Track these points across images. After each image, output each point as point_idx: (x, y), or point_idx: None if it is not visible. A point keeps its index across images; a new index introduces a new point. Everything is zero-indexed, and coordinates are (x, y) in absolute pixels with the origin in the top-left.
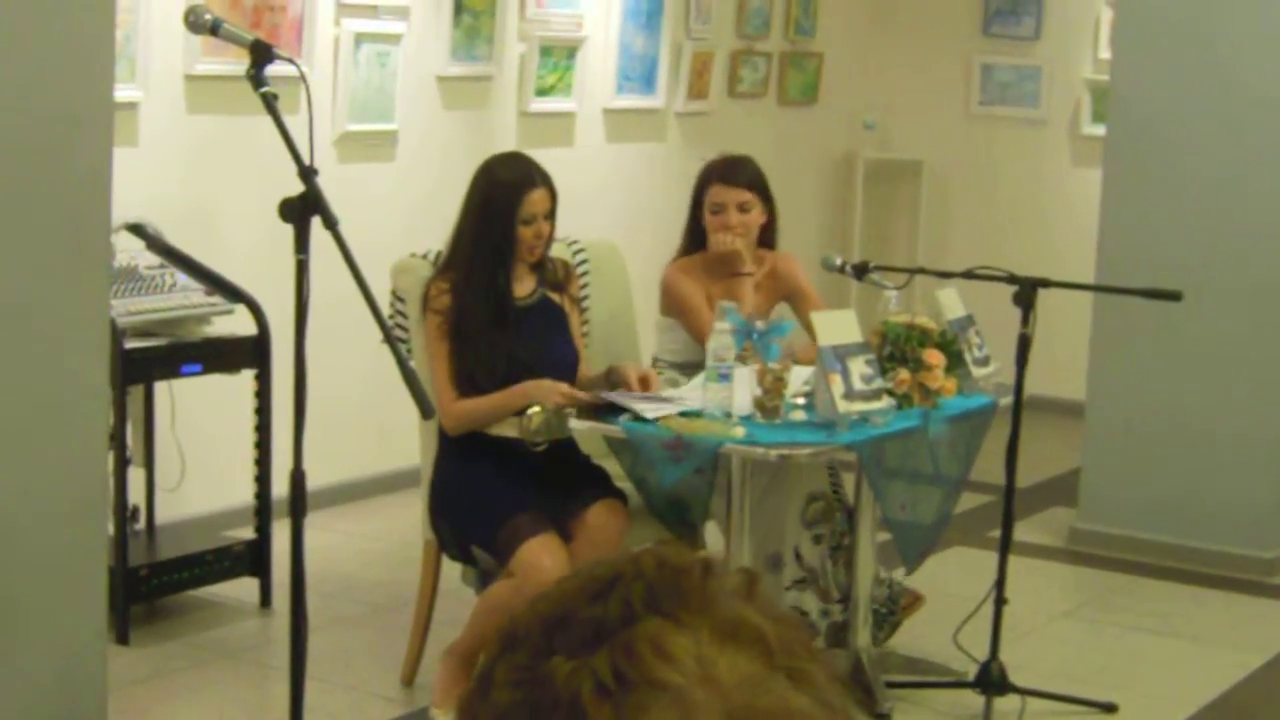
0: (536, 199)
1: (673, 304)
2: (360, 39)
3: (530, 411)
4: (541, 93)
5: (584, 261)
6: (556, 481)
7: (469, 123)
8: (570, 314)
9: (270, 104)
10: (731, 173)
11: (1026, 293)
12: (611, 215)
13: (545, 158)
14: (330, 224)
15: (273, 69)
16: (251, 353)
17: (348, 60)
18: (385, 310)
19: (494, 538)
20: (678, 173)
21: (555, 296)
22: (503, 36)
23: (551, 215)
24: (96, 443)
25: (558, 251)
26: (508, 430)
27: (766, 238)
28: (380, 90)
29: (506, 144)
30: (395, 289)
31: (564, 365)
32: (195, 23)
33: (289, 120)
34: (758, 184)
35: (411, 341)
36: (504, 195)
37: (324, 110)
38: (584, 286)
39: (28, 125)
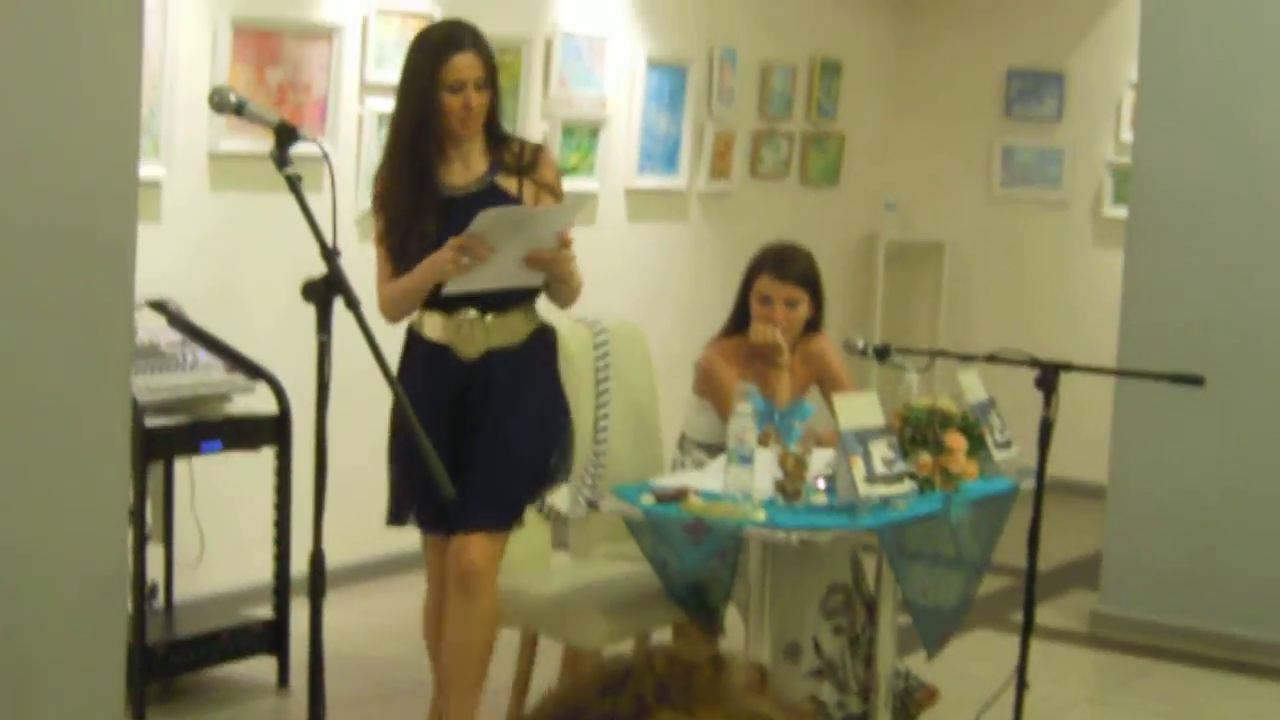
0: (462, 63)
1: (707, 385)
2: (384, 119)
3: (459, 318)
4: (564, 173)
5: (605, 342)
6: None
7: None
8: (538, 201)
9: (294, 185)
10: (783, 267)
11: (1049, 377)
12: (633, 295)
13: None
14: (352, 305)
15: (296, 147)
16: (272, 431)
17: (371, 140)
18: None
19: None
20: (699, 253)
21: (509, 182)
22: (526, 116)
23: (487, 85)
24: (118, 519)
25: (572, 323)
26: (437, 334)
27: (812, 325)
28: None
29: None
30: None
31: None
32: (220, 103)
33: (312, 199)
34: (808, 280)
35: None
36: (427, 60)
37: (347, 189)
38: (604, 366)
39: (52, 202)
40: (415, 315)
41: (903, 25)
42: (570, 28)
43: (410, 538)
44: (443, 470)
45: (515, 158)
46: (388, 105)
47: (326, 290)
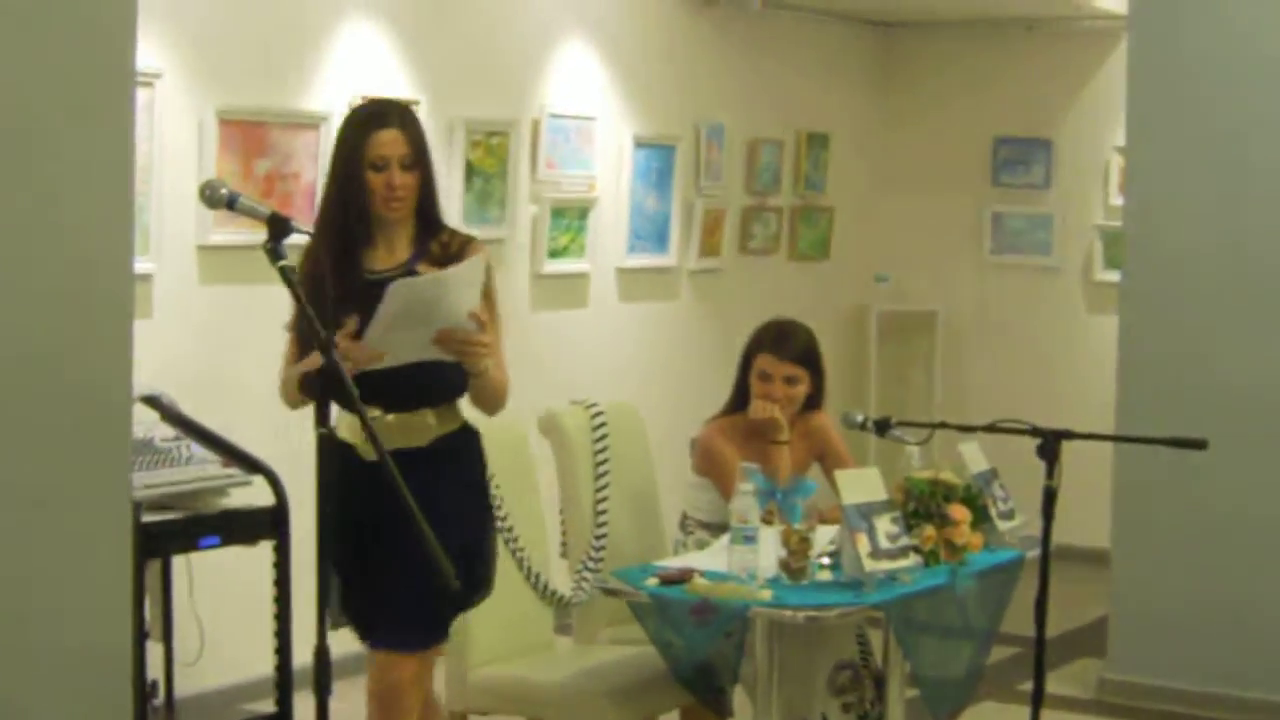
0: (386, 139)
1: (707, 464)
2: None
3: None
4: (554, 254)
5: (603, 424)
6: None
7: None
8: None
9: (288, 277)
10: (782, 345)
11: (1051, 445)
12: (626, 374)
13: (560, 320)
14: (349, 400)
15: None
16: (270, 524)
17: None
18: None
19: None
20: (692, 330)
21: (430, 271)
22: (515, 199)
23: (415, 166)
24: (119, 621)
25: (569, 405)
26: (345, 435)
27: (813, 401)
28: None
29: (521, 307)
30: None
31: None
32: (211, 197)
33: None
34: (808, 357)
35: None
36: (352, 135)
37: None
38: (603, 449)
39: (45, 300)
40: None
41: (889, 96)
42: (557, 109)
43: None
44: (445, 559)
45: (442, 247)
46: None
47: (324, 383)
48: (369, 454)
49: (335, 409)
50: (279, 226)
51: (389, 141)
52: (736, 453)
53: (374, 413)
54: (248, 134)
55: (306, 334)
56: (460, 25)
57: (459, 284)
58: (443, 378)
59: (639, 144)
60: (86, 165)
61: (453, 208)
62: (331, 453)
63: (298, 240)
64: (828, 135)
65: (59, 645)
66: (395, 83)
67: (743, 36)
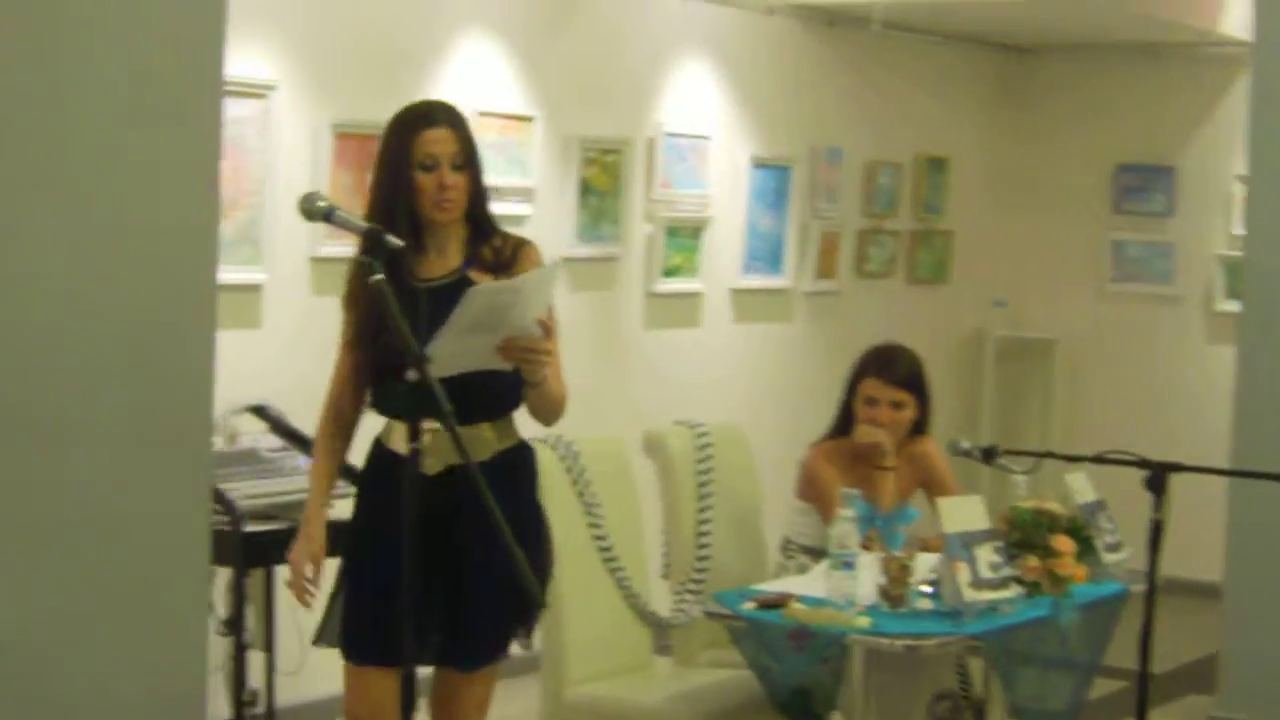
0: (434, 138)
1: (811, 489)
2: None
3: (421, 426)
4: (668, 273)
5: (708, 444)
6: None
7: (594, 304)
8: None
9: (383, 292)
10: (889, 369)
11: (1159, 478)
12: (737, 395)
13: (672, 339)
14: (442, 414)
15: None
16: None
17: None
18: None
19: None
20: (805, 353)
21: (484, 279)
22: (629, 217)
23: (466, 166)
24: (196, 632)
25: (674, 425)
26: (400, 446)
27: (919, 427)
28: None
29: (634, 325)
30: None
31: (479, 372)
32: (309, 209)
33: None
34: (915, 382)
35: None
36: (398, 136)
37: None
38: (707, 470)
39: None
40: (384, 426)
41: (1010, 120)
42: (673, 128)
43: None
44: (532, 576)
45: (494, 252)
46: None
47: (417, 398)
48: (432, 467)
49: (383, 421)
50: (374, 240)
51: (438, 140)
52: (839, 477)
53: (433, 425)
54: (362, 147)
55: (368, 348)
56: (577, 42)
57: (533, 290)
58: (501, 389)
59: (756, 164)
60: (172, 174)
61: (566, 225)
62: (393, 466)
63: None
64: (947, 158)
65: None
66: (510, 99)
67: (862, 58)
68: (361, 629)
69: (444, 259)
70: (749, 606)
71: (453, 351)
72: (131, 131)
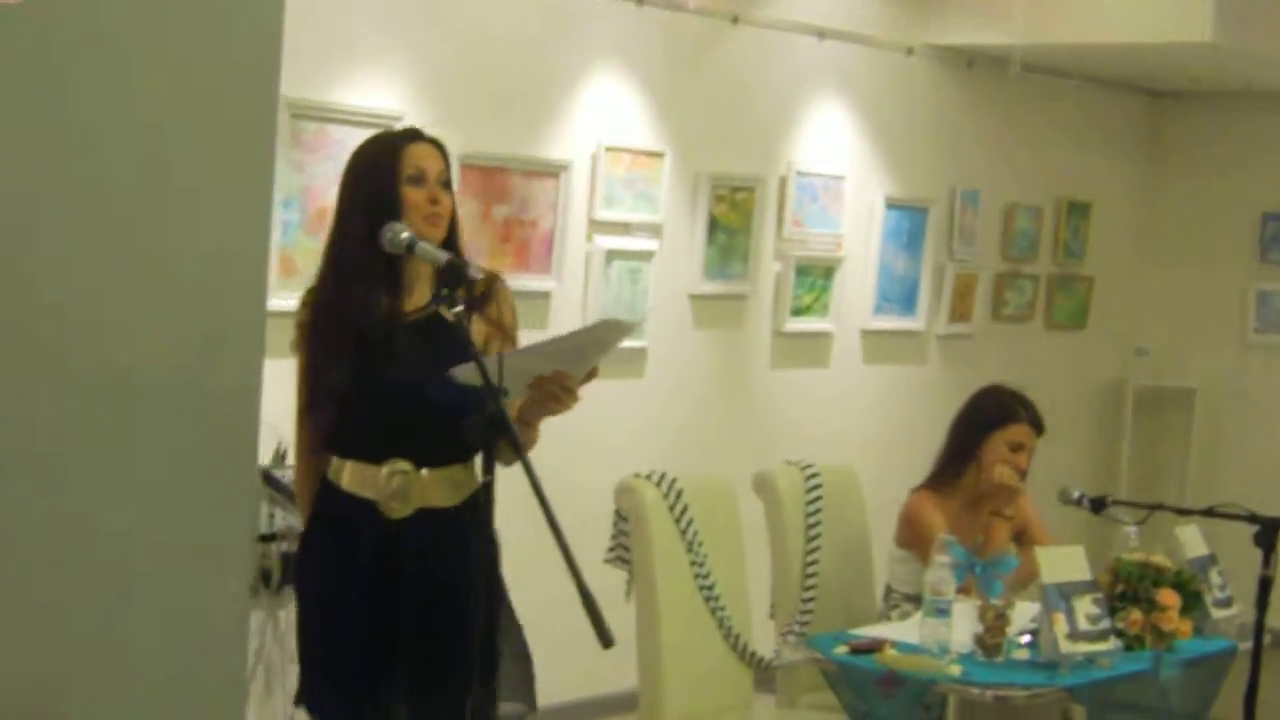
0: (424, 152)
1: (910, 533)
2: (611, 256)
3: (388, 469)
4: (797, 312)
5: (817, 485)
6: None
7: (721, 341)
8: (486, 342)
9: (461, 324)
10: (1036, 419)
11: (1268, 533)
12: (867, 438)
13: (801, 378)
14: (515, 446)
15: (531, 283)
16: None
17: (598, 276)
18: (609, 530)
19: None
20: (937, 396)
21: (453, 315)
22: (758, 255)
23: (449, 189)
24: (235, 664)
25: (784, 465)
26: (360, 488)
27: None
28: (631, 307)
29: (760, 364)
30: (619, 509)
31: (449, 406)
32: (392, 240)
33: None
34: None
35: (631, 561)
36: (380, 155)
37: (573, 325)
38: (816, 512)
39: (177, 341)
40: (334, 464)
41: (1154, 167)
42: (806, 167)
43: (605, 682)
44: (602, 618)
45: (466, 287)
46: (617, 242)
47: (490, 430)
48: (401, 510)
49: (335, 460)
50: (455, 274)
51: (427, 155)
52: (944, 523)
53: (402, 467)
54: (488, 179)
55: (329, 389)
56: (710, 79)
57: (619, 335)
58: None
59: (890, 205)
60: (225, 196)
61: (694, 262)
62: (347, 511)
63: (532, 283)
64: (1089, 203)
65: (177, 695)
66: (640, 134)
67: (1001, 100)
68: (325, 687)
69: (413, 294)
70: (842, 650)
71: (519, 373)
72: (183, 156)
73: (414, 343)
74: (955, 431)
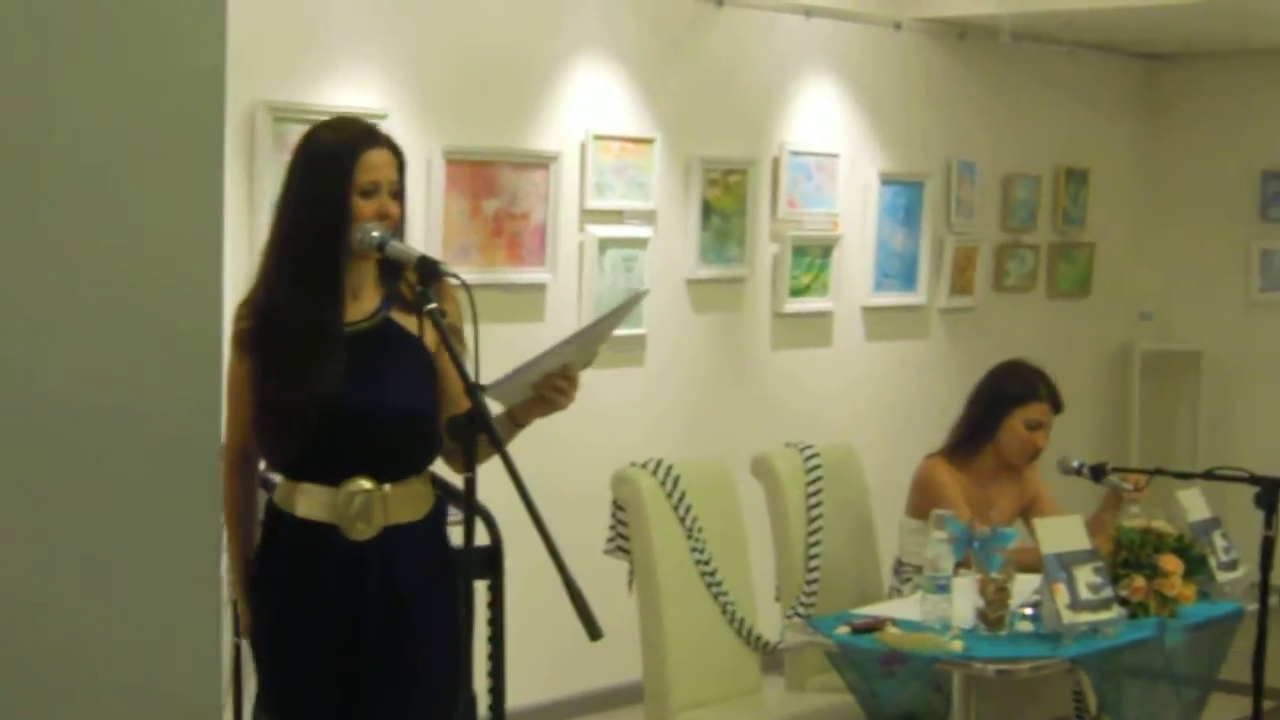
0: (379, 162)
1: (926, 499)
2: (605, 244)
3: (347, 489)
4: (796, 293)
5: (817, 466)
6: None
7: (720, 325)
8: (436, 347)
9: (436, 320)
10: (1056, 398)
11: (1269, 494)
12: (873, 414)
13: (803, 358)
14: (496, 444)
15: (519, 276)
16: (486, 563)
17: (592, 266)
18: (606, 520)
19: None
20: (942, 369)
21: (408, 320)
22: (754, 237)
23: (399, 197)
24: (211, 694)
25: (782, 447)
26: (319, 513)
27: None
28: (627, 295)
29: (761, 346)
30: (616, 499)
31: (409, 416)
32: (362, 240)
33: (533, 328)
34: None
35: (631, 551)
36: (331, 160)
37: (569, 316)
38: (817, 493)
39: (133, 356)
40: (281, 489)
41: (1151, 130)
42: (798, 146)
43: (603, 674)
44: (590, 611)
45: (412, 290)
46: (610, 231)
47: (471, 427)
48: (363, 533)
49: (284, 484)
50: (428, 270)
51: (382, 164)
52: (960, 488)
53: (364, 485)
54: (476, 173)
55: (278, 399)
56: (697, 62)
57: (621, 318)
58: (431, 437)
59: (885, 181)
60: (173, 205)
61: (689, 247)
62: (304, 539)
63: (531, 277)
64: (1087, 169)
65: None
66: (629, 120)
67: (993, 70)
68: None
69: (359, 301)
70: (843, 631)
71: (513, 390)
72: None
73: (365, 351)
74: (973, 406)
